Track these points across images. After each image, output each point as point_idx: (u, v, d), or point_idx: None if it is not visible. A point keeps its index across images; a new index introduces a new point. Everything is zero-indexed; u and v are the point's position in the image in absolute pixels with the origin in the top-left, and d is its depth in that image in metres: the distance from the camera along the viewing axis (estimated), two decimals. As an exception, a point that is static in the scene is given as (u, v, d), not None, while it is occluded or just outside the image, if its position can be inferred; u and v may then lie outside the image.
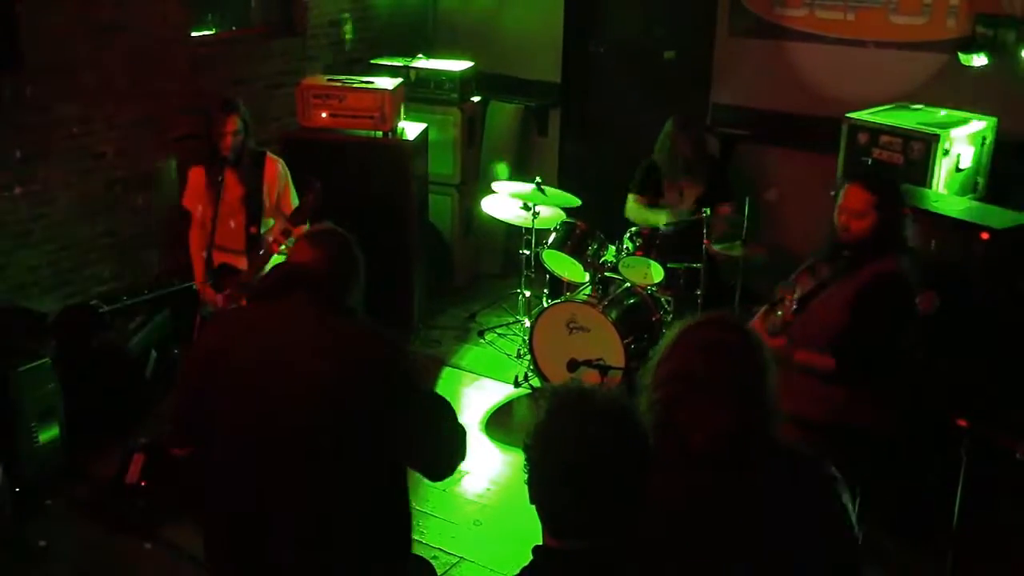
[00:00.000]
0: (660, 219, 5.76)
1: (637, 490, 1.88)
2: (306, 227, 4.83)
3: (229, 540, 2.56)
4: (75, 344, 4.96)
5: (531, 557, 1.94)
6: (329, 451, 2.42)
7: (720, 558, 2.12)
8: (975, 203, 4.96)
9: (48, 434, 4.57)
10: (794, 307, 3.59)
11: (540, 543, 1.94)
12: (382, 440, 2.44)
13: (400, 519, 2.66)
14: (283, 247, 4.64)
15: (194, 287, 5.06)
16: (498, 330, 6.39)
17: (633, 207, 5.98)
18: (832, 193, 3.98)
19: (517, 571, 1.94)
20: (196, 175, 5.00)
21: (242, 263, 4.91)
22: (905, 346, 3.74)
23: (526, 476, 1.93)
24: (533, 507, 1.93)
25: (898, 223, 3.76)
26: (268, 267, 4.91)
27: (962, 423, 3.41)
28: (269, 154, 5.11)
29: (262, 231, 4.98)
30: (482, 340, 6.29)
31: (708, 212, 5.38)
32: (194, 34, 6.00)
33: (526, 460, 1.93)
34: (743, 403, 2.16)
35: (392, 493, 2.59)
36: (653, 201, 5.94)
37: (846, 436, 3.52)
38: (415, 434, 2.53)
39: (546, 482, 1.90)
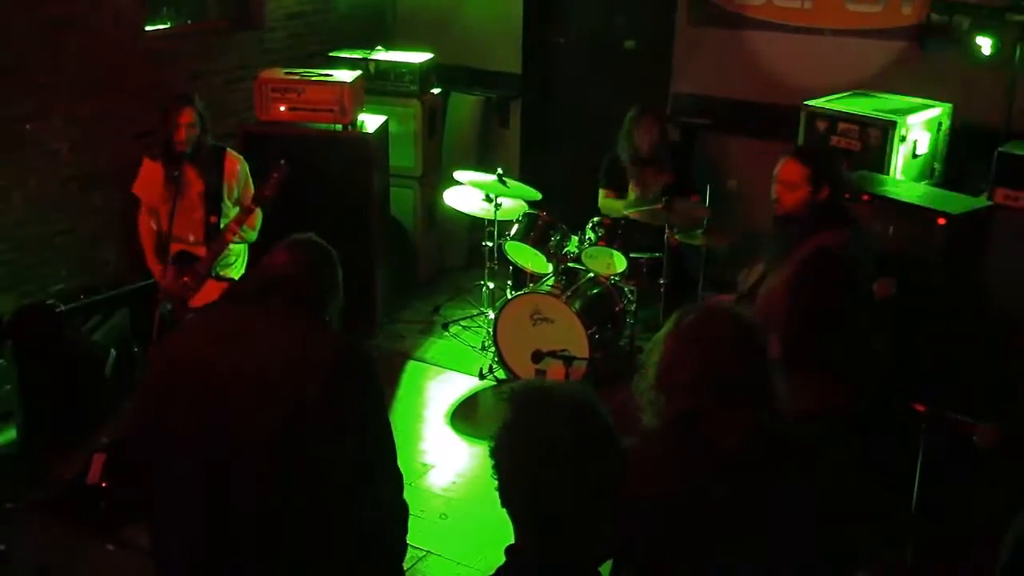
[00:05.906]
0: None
1: (609, 487, 1.83)
2: (260, 212, 4.90)
3: (187, 560, 2.46)
4: (32, 344, 4.88)
5: (504, 558, 1.89)
6: (295, 465, 2.35)
7: (758, 553, 2.11)
8: (932, 189, 5.02)
9: (6, 436, 4.53)
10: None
11: (512, 543, 1.89)
12: (348, 455, 2.39)
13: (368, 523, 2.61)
14: (237, 237, 4.84)
15: (152, 280, 5.06)
16: (462, 322, 6.37)
17: (604, 202, 6.03)
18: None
19: (492, 572, 1.89)
20: (149, 166, 4.97)
21: (200, 251, 4.88)
22: (862, 330, 3.75)
23: (495, 478, 1.88)
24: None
25: (834, 196, 3.74)
26: (224, 255, 4.91)
27: (919, 408, 3.45)
28: (229, 150, 5.06)
29: (223, 223, 4.94)
30: (446, 333, 6.28)
31: (667, 200, 5.39)
32: (149, 28, 5.92)
33: (492, 465, 1.88)
34: (765, 399, 2.13)
35: (360, 500, 2.53)
36: (621, 194, 5.97)
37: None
38: (372, 452, 2.47)
39: (513, 482, 1.86)
